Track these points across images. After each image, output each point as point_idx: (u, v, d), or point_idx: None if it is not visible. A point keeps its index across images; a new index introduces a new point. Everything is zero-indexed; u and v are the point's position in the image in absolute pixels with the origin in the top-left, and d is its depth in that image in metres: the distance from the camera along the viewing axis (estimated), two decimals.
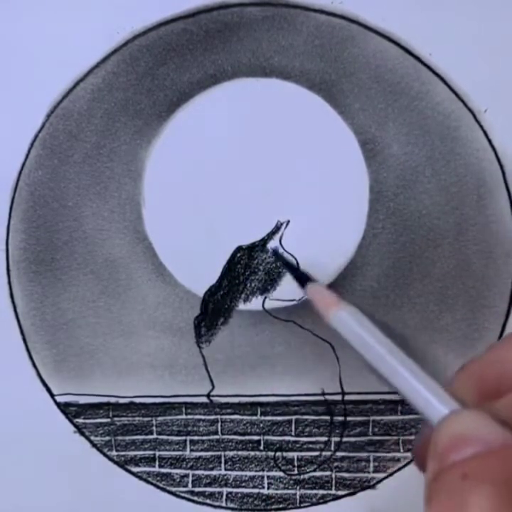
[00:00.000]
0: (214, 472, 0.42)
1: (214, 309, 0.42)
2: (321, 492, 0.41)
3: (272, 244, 0.41)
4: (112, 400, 0.42)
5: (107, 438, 0.42)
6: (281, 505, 0.42)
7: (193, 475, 0.42)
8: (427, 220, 0.41)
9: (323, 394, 0.41)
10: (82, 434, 0.42)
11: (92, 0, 0.42)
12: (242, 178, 0.42)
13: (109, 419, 0.42)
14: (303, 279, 0.36)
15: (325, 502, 0.41)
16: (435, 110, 0.41)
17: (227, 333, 0.42)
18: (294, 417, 0.41)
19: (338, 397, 0.41)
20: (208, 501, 0.42)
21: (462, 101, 0.41)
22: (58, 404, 0.42)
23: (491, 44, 0.41)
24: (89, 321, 0.42)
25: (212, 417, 0.42)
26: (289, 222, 0.41)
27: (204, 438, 0.42)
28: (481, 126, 0.41)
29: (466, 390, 0.29)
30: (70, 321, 0.42)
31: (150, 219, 0.42)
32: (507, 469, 0.23)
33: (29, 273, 0.42)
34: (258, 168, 0.42)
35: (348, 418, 0.41)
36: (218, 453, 0.42)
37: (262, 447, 0.42)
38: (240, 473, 0.42)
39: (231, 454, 0.42)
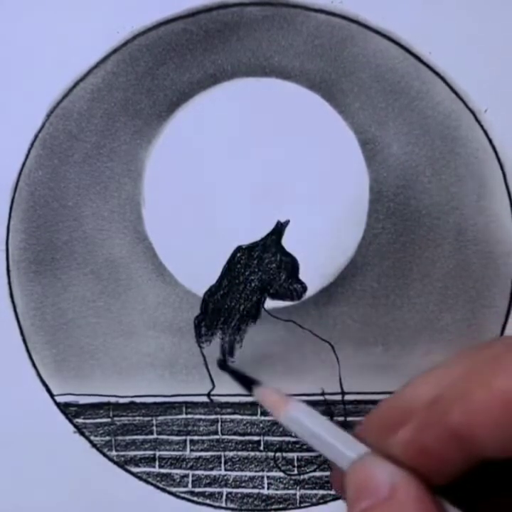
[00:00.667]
0: (214, 472, 0.42)
1: (214, 309, 0.42)
2: (321, 492, 0.41)
3: (216, 357, 0.41)
4: (112, 399, 0.42)
5: (107, 438, 0.42)
6: (281, 506, 0.41)
7: (193, 475, 0.42)
8: (427, 220, 0.41)
9: (323, 394, 0.41)
10: (82, 434, 0.42)
11: (91, 0, 0.42)
12: (242, 178, 0.42)
13: (109, 419, 0.42)
14: (248, 383, 0.36)
15: (325, 502, 0.41)
16: (435, 110, 0.41)
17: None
18: None
19: (338, 397, 0.41)
20: (207, 501, 0.42)
21: (462, 101, 0.41)
22: (58, 405, 0.42)
23: (491, 44, 0.41)
24: (90, 321, 0.42)
25: (213, 417, 0.42)
26: (288, 222, 0.41)
27: (204, 438, 0.42)
28: (481, 126, 0.41)
29: (372, 431, 0.29)
30: (70, 321, 0.42)
31: (150, 219, 0.42)
32: None
33: (29, 273, 0.42)
34: (258, 167, 0.42)
35: (348, 418, 0.41)
36: (218, 453, 0.42)
37: (262, 447, 0.42)
38: (239, 473, 0.42)
39: (231, 454, 0.42)
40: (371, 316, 0.41)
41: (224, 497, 0.42)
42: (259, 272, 0.42)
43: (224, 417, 0.42)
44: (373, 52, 0.41)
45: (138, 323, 0.42)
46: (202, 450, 0.42)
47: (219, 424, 0.42)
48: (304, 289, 0.41)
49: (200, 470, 0.42)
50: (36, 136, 0.42)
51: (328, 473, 0.41)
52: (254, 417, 0.42)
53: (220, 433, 0.42)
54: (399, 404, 0.29)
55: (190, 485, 0.42)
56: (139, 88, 0.42)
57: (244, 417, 0.42)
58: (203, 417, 0.42)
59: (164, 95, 0.42)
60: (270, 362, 0.41)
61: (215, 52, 0.42)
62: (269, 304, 0.42)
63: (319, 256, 0.41)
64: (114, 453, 0.42)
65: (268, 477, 0.42)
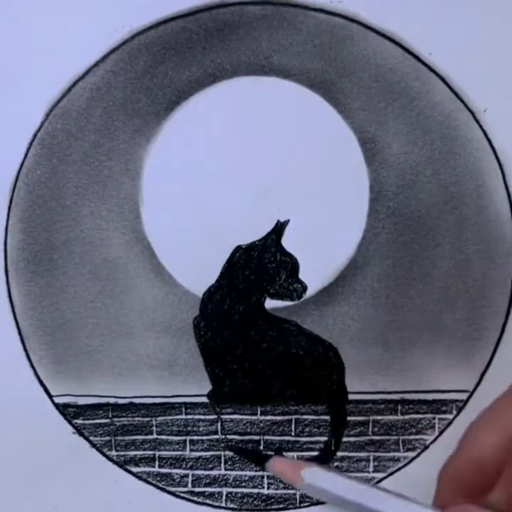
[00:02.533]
0: (214, 472, 0.42)
1: (213, 309, 0.41)
2: None
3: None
4: (111, 400, 0.42)
5: (107, 438, 0.42)
6: (281, 505, 0.41)
7: (193, 475, 0.42)
8: (427, 219, 0.41)
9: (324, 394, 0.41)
10: (81, 434, 0.42)
11: None
12: (242, 178, 0.41)
13: (108, 420, 0.42)
14: (261, 459, 0.36)
15: (325, 502, 0.41)
16: (435, 110, 0.41)
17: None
18: (294, 417, 0.41)
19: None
20: (207, 501, 0.42)
21: (462, 101, 0.41)
22: (57, 406, 0.42)
23: (491, 44, 0.41)
24: (88, 321, 0.42)
25: (212, 417, 0.42)
26: (288, 222, 0.41)
27: (204, 438, 0.42)
28: (481, 126, 0.41)
29: (451, 492, 0.29)
30: (68, 321, 0.42)
31: (148, 218, 0.42)
32: None
33: (27, 273, 0.42)
34: (258, 167, 0.41)
35: (348, 418, 0.41)
36: (218, 453, 0.42)
37: (261, 447, 0.42)
38: (239, 473, 0.42)
39: (231, 453, 0.42)
40: (371, 315, 0.41)
41: (224, 497, 0.42)
42: (259, 272, 0.42)
43: (224, 417, 0.42)
44: (373, 52, 0.41)
45: (136, 324, 0.42)
46: (202, 450, 0.42)
47: (219, 424, 0.42)
48: (304, 288, 0.41)
49: (200, 470, 0.42)
50: (35, 135, 0.41)
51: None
52: (254, 417, 0.42)
53: (220, 433, 0.42)
54: (471, 463, 0.28)
55: (190, 485, 0.42)
56: (138, 87, 0.42)
57: (244, 417, 0.42)
58: (202, 417, 0.42)
59: (163, 94, 0.42)
60: None
61: (215, 51, 0.41)
62: (269, 303, 0.42)
63: (319, 256, 0.41)
64: (114, 453, 0.42)
65: (268, 477, 0.42)
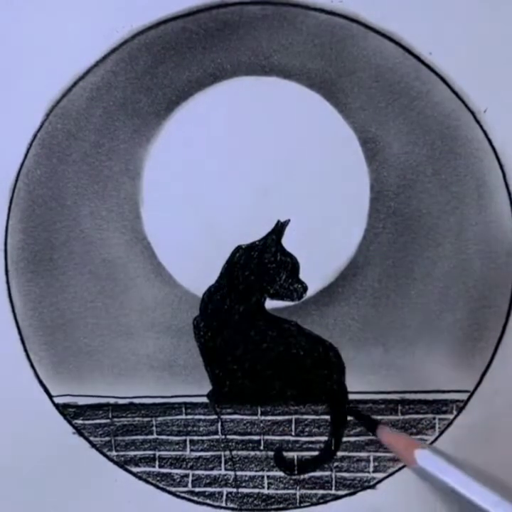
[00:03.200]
0: (214, 472, 0.42)
1: (213, 309, 0.41)
2: (321, 492, 0.41)
3: None
4: (111, 400, 0.42)
5: (107, 438, 0.42)
6: (281, 505, 0.41)
7: (193, 475, 0.42)
8: (428, 219, 0.41)
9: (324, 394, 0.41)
10: (81, 434, 0.42)
11: None
12: (242, 178, 0.41)
13: (108, 420, 0.42)
14: (372, 425, 0.38)
15: (325, 502, 0.41)
16: (435, 110, 0.41)
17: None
18: (294, 417, 0.41)
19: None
20: (208, 501, 0.42)
21: (462, 101, 0.41)
22: (56, 406, 0.42)
23: (491, 44, 0.41)
24: (88, 321, 0.42)
25: (213, 417, 0.42)
26: (289, 221, 0.41)
27: (204, 438, 0.42)
28: (481, 126, 0.41)
29: None
30: (68, 321, 0.42)
31: (148, 218, 0.42)
32: None
33: (27, 273, 0.42)
34: (258, 167, 0.41)
35: (348, 418, 0.41)
36: (218, 453, 0.42)
37: (262, 447, 0.42)
38: (240, 473, 0.42)
39: (231, 453, 0.42)
40: (372, 316, 0.41)
41: (224, 497, 0.42)
42: (259, 272, 0.41)
43: (224, 417, 0.42)
44: (373, 52, 0.41)
45: (136, 324, 0.42)
46: (202, 450, 0.42)
47: (219, 424, 0.42)
48: (305, 289, 0.41)
49: (200, 470, 0.42)
50: (35, 136, 0.41)
51: (328, 473, 0.41)
52: (254, 417, 0.42)
53: (220, 433, 0.42)
54: None
55: (190, 485, 0.42)
56: (138, 87, 0.42)
57: (244, 417, 0.42)
58: (202, 417, 0.42)
59: (163, 94, 0.42)
60: None
61: (215, 51, 0.41)
62: (270, 304, 0.42)
63: (320, 256, 0.41)
64: (114, 453, 0.42)
65: (268, 477, 0.42)
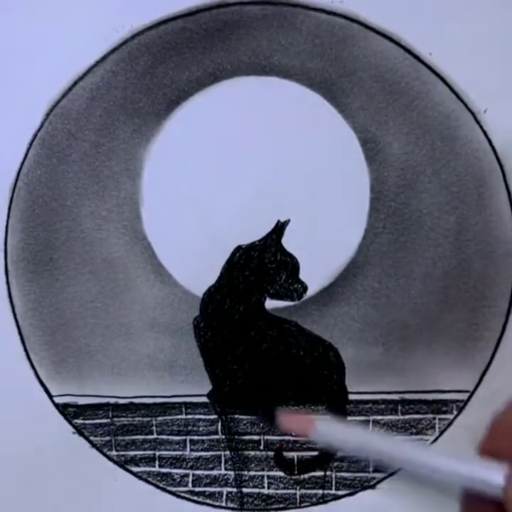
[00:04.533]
0: (214, 472, 0.42)
1: (214, 309, 0.41)
2: (321, 492, 0.41)
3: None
4: (112, 400, 0.42)
5: (107, 438, 0.42)
6: (281, 505, 0.42)
7: (193, 475, 0.42)
8: (428, 219, 0.41)
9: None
10: (82, 434, 0.42)
11: None
12: (242, 178, 0.41)
13: (108, 420, 0.42)
14: (270, 416, 0.39)
15: (325, 502, 0.41)
16: (435, 110, 0.41)
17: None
18: None
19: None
20: (208, 501, 0.42)
21: (462, 101, 0.41)
22: (57, 406, 0.42)
23: (491, 44, 0.41)
24: (88, 321, 0.42)
25: (213, 417, 0.42)
26: (289, 221, 0.41)
27: (204, 438, 0.42)
28: (481, 126, 0.41)
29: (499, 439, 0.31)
30: (68, 321, 0.42)
31: (149, 218, 0.42)
32: None
33: (27, 273, 0.42)
34: (258, 167, 0.41)
35: (348, 418, 0.41)
36: (218, 453, 0.42)
37: (262, 447, 0.42)
38: (240, 472, 0.42)
39: (231, 453, 0.42)
40: (372, 316, 0.41)
41: (224, 497, 0.42)
42: (259, 272, 0.41)
43: (224, 416, 0.42)
44: (374, 53, 0.41)
45: (136, 324, 0.42)
46: (202, 450, 0.42)
47: (219, 424, 0.42)
48: (305, 289, 0.41)
49: (200, 470, 0.42)
50: (35, 136, 0.41)
51: (328, 473, 0.41)
52: (254, 417, 0.42)
53: (220, 433, 0.42)
54: None
55: (190, 484, 0.42)
56: (138, 87, 0.42)
57: (245, 417, 0.42)
58: (202, 417, 0.42)
59: (163, 94, 0.42)
60: None
61: (215, 51, 0.41)
62: (270, 303, 0.42)
63: (319, 256, 0.41)
64: (114, 453, 0.42)
65: (268, 477, 0.42)
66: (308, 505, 0.41)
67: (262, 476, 0.42)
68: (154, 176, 0.42)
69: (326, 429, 0.34)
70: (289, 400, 0.41)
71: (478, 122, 0.41)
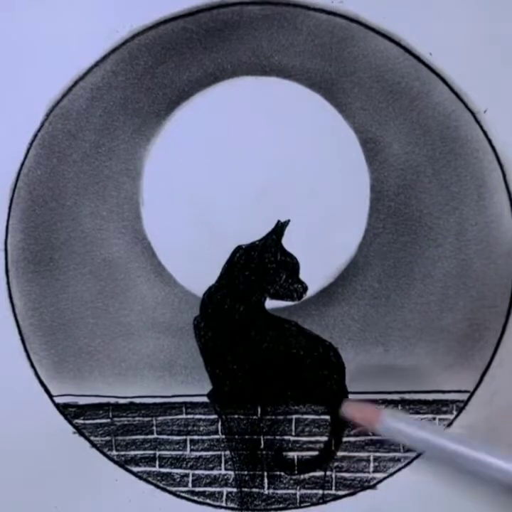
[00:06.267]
0: (214, 472, 0.42)
1: (214, 310, 0.41)
2: (321, 492, 0.41)
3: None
4: (112, 400, 0.42)
5: (107, 438, 0.42)
6: (281, 505, 0.42)
7: (194, 475, 0.42)
8: (428, 219, 0.41)
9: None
10: (82, 434, 0.42)
11: None
12: (242, 178, 0.41)
13: (109, 420, 0.42)
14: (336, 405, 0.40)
15: (325, 502, 0.41)
16: (435, 110, 0.41)
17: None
18: (294, 417, 0.41)
19: None
20: (208, 501, 0.42)
21: (462, 101, 0.41)
22: (57, 406, 0.42)
23: (490, 45, 0.41)
24: (88, 321, 0.42)
25: (213, 417, 0.42)
26: (289, 221, 0.41)
27: (204, 438, 0.42)
28: (481, 127, 0.41)
29: None
30: (68, 321, 0.42)
31: (149, 218, 0.42)
32: None
33: (28, 273, 0.42)
34: (258, 167, 0.41)
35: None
36: (218, 453, 0.42)
37: (262, 447, 0.42)
38: (240, 472, 0.42)
39: (231, 453, 0.42)
40: (372, 316, 0.41)
41: (224, 497, 0.42)
42: (259, 272, 0.42)
43: (224, 416, 0.42)
44: (374, 53, 0.41)
45: (137, 324, 0.42)
46: (202, 450, 0.42)
47: (219, 423, 0.42)
48: (305, 289, 0.41)
49: (200, 470, 0.42)
50: (35, 136, 0.41)
51: (328, 473, 0.41)
52: (254, 417, 0.42)
53: (220, 433, 0.42)
54: None
55: (190, 484, 0.42)
56: (138, 87, 0.42)
57: (244, 417, 0.42)
58: (203, 416, 0.42)
59: (163, 94, 0.42)
60: None
61: (215, 51, 0.41)
62: (270, 304, 0.42)
63: (320, 256, 0.41)
64: (114, 453, 0.42)
65: (268, 476, 0.42)
66: (308, 505, 0.41)
67: (262, 476, 0.42)
68: (154, 176, 0.42)
69: (392, 421, 0.34)
70: (289, 400, 0.41)
71: (478, 122, 0.41)
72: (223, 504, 0.42)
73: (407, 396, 0.41)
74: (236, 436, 0.42)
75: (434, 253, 0.41)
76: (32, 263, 0.42)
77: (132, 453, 0.42)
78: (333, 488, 0.41)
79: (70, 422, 0.42)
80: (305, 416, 0.41)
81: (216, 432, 0.42)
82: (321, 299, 0.41)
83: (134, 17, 0.41)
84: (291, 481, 0.42)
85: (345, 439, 0.41)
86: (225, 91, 0.42)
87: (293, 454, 0.42)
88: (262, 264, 0.42)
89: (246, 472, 0.42)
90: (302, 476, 0.42)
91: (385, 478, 0.41)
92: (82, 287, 0.42)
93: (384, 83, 0.41)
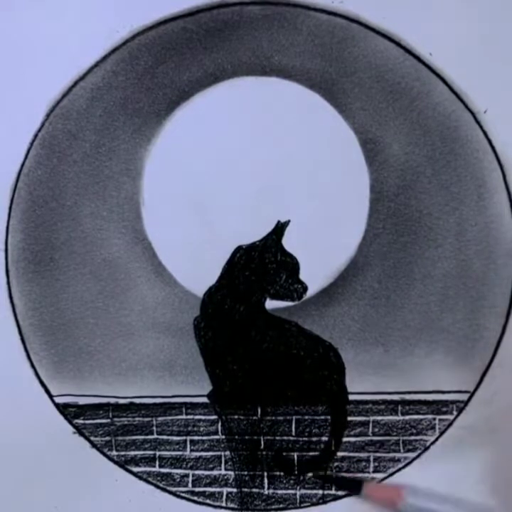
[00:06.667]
0: (214, 472, 0.42)
1: (214, 310, 0.41)
2: (321, 492, 0.41)
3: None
4: (112, 400, 0.42)
5: (107, 438, 0.42)
6: (281, 505, 0.42)
7: (194, 475, 0.42)
8: (428, 220, 0.41)
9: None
10: (82, 434, 0.42)
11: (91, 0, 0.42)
12: (242, 178, 0.41)
13: (109, 420, 0.42)
14: (356, 485, 0.40)
15: (325, 502, 0.41)
16: (435, 110, 0.41)
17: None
18: (294, 417, 0.41)
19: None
20: (208, 501, 0.42)
21: (462, 101, 0.41)
22: (57, 406, 0.42)
23: (491, 45, 0.41)
24: (88, 321, 0.42)
25: (213, 417, 0.42)
26: (289, 222, 0.41)
27: (204, 438, 0.42)
28: (481, 127, 0.41)
29: None
30: (68, 321, 0.42)
31: (149, 218, 0.42)
32: None
33: (28, 273, 0.42)
34: (258, 167, 0.41)
35: (348, 418, 0.41)
36: (218, 453, 0.42)
37: (262, 447, 0.42)
38: (240, 473, 0.42)
39: (230, 454, 0.42)
40: (372, 316, 0.41)
41: (224, 497, 0.42)
42: (259, 273, 0.41)
43: (224, 417, 0.42)
44: (374, 53, 0.41)
45: (137, 324, 0.42)
46: (202, 450, 0.42)
47: (219, 424, 0.42)
48: (305, 289, 0.41)
49: (200, 470, 0.42)
50: (36, 136, 0.42)
51: (328, 473, 0.41)
52: (254, 417, 0.42)
53: (220, 433, 0.42)
54: None
55: (190, 484, 0.42)
56: (138, 87, 0.42)
57: (244, 417, 0.42)
58: (202, 417, 0.42)
59: (164, 94, 0.42)
60: None
61: (215, 51, 0.41)
62: (270, 304, 0.42)
63: (320, 256, 0.41)
64: (114, 453, 0.42)
65: (268, 476, 0.42)
66: (308, 506, 0.41)
67: (262, 476, 0.42)
68: (155, 176, 0.42)
69: (414, 499, 0.36)
70: (289, 400, 0.41)
71: (478, 122, 0.41)
72: (223, 504, 0.42)
73: (407, 396, 0.41)
74: (236, 437, 0.42)
75: (434, 253, 0.41)
76: (32, 263, 0.42)
77: (132, 453, 0.42)
78: (333, 488, 0.41)
79: (70, 422, 0.42)
80: (305, 416, 0.41)
81: (216, 433, 0.42)
82: (321, 299, 0.41)
83: (134, 17, 0.41)
84: (291, 481, 0.41)
85: (345, 439, 0.41)
86: (225, 91, 0.42)
87: (293, 454, 0.42)
88: (262, 265, 0.42)
89: (246, 472, 0.42)
90: (302, 476, 0.41)
91: (385, 478, 0.41)
92: (83, 287, 0.42)
93: (384, 83, 0.41)
